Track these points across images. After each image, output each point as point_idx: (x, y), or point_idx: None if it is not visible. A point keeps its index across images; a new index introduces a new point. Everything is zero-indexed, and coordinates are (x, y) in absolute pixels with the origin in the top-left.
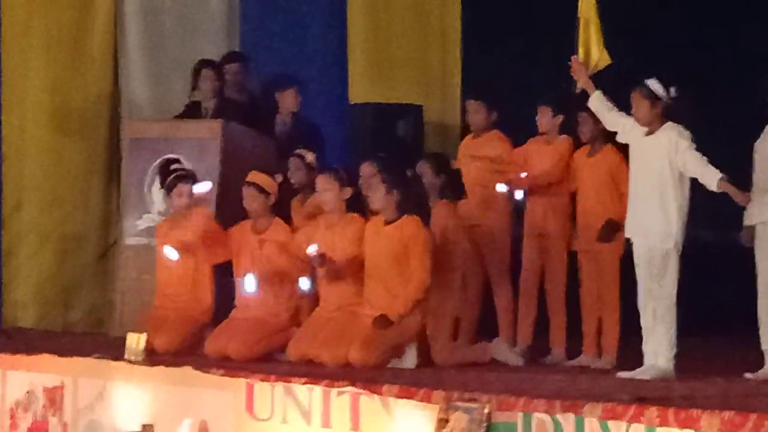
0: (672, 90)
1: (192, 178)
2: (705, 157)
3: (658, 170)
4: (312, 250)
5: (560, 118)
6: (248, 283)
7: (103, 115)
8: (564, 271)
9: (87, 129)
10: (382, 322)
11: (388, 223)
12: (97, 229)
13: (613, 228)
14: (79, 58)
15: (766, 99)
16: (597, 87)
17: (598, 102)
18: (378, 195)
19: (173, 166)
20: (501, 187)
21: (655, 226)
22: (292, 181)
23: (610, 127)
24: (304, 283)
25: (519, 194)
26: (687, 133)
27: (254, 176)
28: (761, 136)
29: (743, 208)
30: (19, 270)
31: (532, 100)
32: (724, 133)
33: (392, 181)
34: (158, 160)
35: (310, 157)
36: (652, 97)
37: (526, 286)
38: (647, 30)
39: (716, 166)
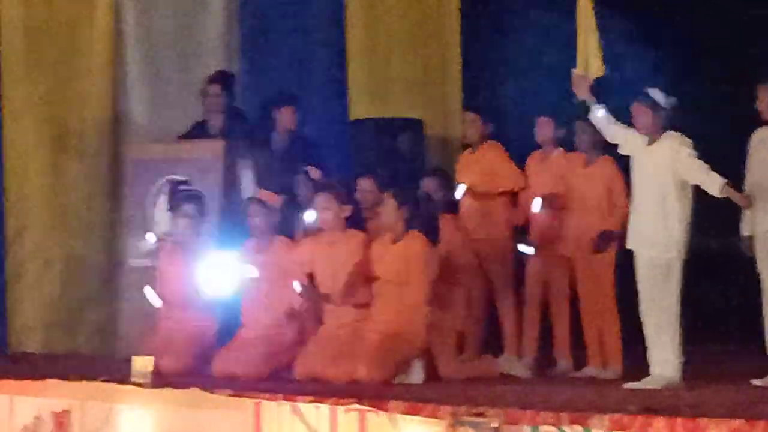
0: (672, 99)
1: (198, 198)
2: (706, 164)
3: (660, 179)
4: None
5: (562, 131)
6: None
7: (104, 137)
8: (566, 284)
9: (88, 151)
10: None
11: (394, 241)
12: (100, 251)
13: (608, 238)
14: (79, 81)
15: (755, 106)
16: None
17: (599, 115)
18: (387, 211)
19: (180, 188)
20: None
21: (657, 236)
22: (299, 197)
23: (611, 140)
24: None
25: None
26: (688, 141)
27: (259, 193)
28: (751, 144)
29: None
30: (24, 294)
31: (532, 112)
32: (722, 140)
33: (401, 197)
34: (164, 181)
35: (316, 173)
36: (655, 106)
37: (531, 298)
38: (641, 40)
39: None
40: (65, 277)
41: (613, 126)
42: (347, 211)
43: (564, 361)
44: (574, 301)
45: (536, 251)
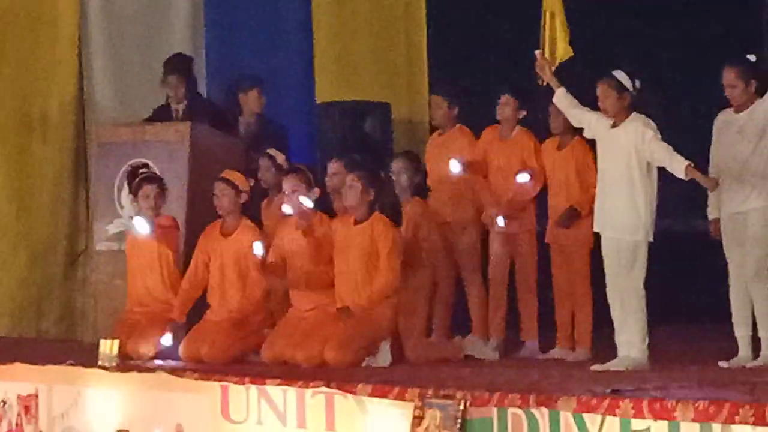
0: (637, 81)
1: (158, 180)
2: (670, 146)
3: (626, 161)
4: (257, 250)
5: (523, 112)
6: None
7: (69, 120)
8: (534, 263)
9: (54, 134)
10: (345, 313)
11: (357, 222)
12: (67, 235)
13: (573, 215)
14: (43, 64)
15: (724, 92)
16: (561, 81)
17: (563, 99)
18: (353, 193)
19: (141, 171)
20: (500, 221)
21: (623, 219)
22: (262, 181)
23: (575, 124)
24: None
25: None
26: (652, 123)
27: (227, 173)
28: (715, 126)
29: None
30: None
31: (498, 94)
32: (686, 123)
33: (369, 180)
34: (126, 166)
35: (280, 157)
36: (620, 88)
37: (494, 279)
38: (605, 21)
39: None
40: (32, 261)
41: (577, 109)
42: (316, 193)
43: (531, 343)
44: (541, 282)
45: (500, 232)
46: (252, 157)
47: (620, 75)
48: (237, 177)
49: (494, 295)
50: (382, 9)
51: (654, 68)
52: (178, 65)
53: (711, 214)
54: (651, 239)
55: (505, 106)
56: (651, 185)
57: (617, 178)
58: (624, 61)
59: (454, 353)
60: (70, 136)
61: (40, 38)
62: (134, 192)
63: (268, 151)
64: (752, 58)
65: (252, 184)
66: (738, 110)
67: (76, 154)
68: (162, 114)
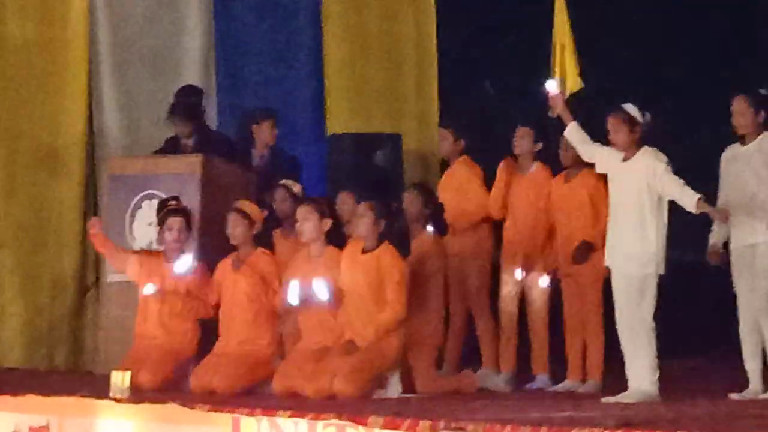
0: (647, 114)
1: (184, 213)
2: (681, 180)
3: (636, 195)
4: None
5: (540, 145)
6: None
7: (78, 153)
8: (545, 296)
9: (63, 167)
10: (349, 346)
11: (365, 251)
12: (78, 268)
13: (587, 249)
14: (53, 96)
15: (731, 122)
16: (571, 113)
17: (574, 133)
18: (364, 222)
19: (169, 203)
20: (543, 281)
21: (634, 252)
22: (277, 212)
23: (586, 159)
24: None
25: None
26: (663, 156)
27: (241, 204)
28: (722, 161)
29: None
30: (3, 310)
31: (508, 126)
32: (696, 156)
33: (380, 210)
34: (142, 196)
35: (297, 188)
36: (631, 121)
37: (505, 312)
38: (614, 53)
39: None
40: (44, 293)
41: (587, 144)
42: (327, 224)
43: (542, 376)
44: (553, 314)
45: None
46: (265, 189)
47: (631, 108)
48: (250, 207)
49: (505, 327)
50: (393, 41)
51: (664, 100)
52: (182, 106)
53: (712, 237)
54: (662, 272)
55: (522, 139)
56: (662, 218)
57: (629, 211)
58: (634, 93)
59: (465, 385)
60: (80, 168)
61: (50, 70)
62: (160, 223)
63: (283, 181)
64: (764, 91)
65: (265, 215)
66: (745, 142)
67: (86, 187)
68: (172, 145)
